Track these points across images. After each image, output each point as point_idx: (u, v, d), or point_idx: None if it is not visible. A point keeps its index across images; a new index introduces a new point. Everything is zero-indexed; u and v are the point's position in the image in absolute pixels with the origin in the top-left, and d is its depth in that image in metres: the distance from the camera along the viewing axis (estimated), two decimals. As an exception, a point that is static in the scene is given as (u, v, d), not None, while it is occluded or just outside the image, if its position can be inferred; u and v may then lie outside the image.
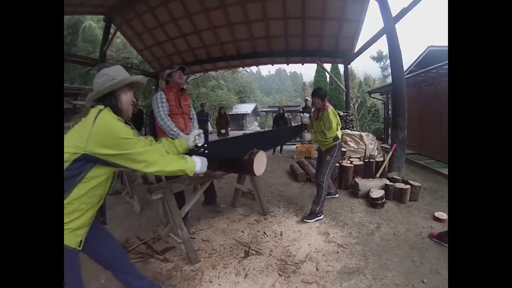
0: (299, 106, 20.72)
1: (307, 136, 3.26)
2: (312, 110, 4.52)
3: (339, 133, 3.08)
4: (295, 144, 7.84)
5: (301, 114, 3.47)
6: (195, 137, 1.67)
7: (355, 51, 7.67)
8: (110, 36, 7.55)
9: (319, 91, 3.15)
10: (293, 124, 13.77)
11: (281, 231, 2.79)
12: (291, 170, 5.29)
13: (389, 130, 9.84)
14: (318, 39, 7.65)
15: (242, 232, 2.81)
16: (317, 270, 2.14)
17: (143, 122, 4.07)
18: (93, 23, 16.02)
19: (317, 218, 3.02)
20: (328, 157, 3.04)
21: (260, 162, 2.38)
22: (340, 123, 3.18)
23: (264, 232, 2.78)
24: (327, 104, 3.12)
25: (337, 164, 4.00)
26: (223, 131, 8.22)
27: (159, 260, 2.32)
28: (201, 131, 1.73)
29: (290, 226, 2.93)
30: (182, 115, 2.77)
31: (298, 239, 2.63)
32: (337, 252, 2.40)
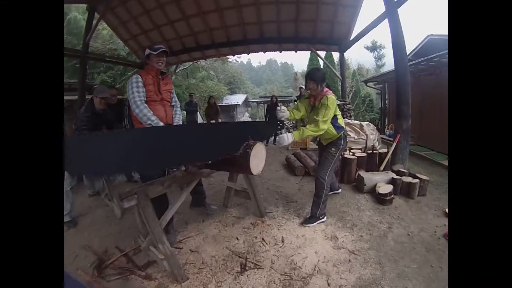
0: (291, 96, 20.31)
1: (287, 138, 2.34)
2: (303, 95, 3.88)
3: (341, 122, 2.62)
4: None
5: (278, 108, 2.65)
6: None
7: (351, 38, 7.29)
8: (93, 26, 6.96)
9: (315, 73, 2.51)
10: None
11: (282, 237, 2.44)
12: (287, 163, 4.94)
13: (386, 120, 9.63)
14: (313, 25, 7.23)
15: (237, 239, 2.44)
16: (328, 285, 1.82)
17: (123, 114, 3.66)
18: (78, 15, 15.22)
19: (319, 221, 2.65)
20: (333, 149, 2.60)
21: (258, 157, 2.00)
22: (340, 113, 2.65)
23: (263, 239, 2.42)
24: (326, 90, 2.53)
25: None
26: (213, 121, 7.83)
27: (140, 277, 1.95)
28: None
29: (292, 230, 2.58)
30: (162, 102, 2.38)
31: (302, 246, 2.30)
32: (349, 261, 2.09)
